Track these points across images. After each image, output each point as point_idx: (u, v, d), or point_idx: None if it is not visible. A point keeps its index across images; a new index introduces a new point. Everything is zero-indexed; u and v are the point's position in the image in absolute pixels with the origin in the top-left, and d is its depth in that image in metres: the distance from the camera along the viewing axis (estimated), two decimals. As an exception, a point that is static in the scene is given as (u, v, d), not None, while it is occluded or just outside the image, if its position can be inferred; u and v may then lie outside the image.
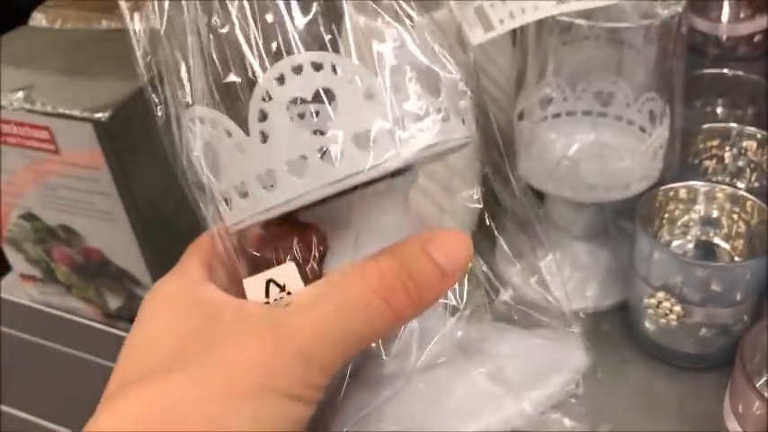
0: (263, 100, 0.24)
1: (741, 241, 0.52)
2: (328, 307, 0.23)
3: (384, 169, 0.24)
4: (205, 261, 0.27)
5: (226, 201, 0.26)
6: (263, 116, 0.24)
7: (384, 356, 0.27)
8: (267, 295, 0.25)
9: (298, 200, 0.24)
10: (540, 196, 0.54)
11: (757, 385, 0.44)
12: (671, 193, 0.52)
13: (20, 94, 0.42)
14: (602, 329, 0.53)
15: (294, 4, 0.25)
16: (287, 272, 0.25)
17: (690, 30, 0.66)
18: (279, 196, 0.24)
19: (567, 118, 0.54)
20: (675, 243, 0.54)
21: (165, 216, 0.45)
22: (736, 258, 0.52)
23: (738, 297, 0.46)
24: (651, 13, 0.46)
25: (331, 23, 0.27)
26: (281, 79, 0.24)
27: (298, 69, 0.24)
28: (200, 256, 0.27)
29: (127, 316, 0.52)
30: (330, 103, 0.24)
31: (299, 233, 0.28)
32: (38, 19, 0.51)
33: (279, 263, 0.26)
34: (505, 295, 0.54)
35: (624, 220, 0.56)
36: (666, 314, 0.47)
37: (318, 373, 0.23)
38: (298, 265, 0.26)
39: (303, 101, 0.24)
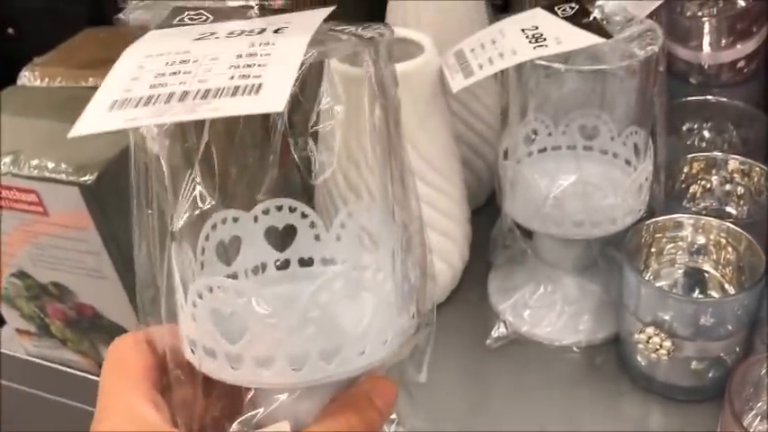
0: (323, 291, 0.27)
1: (730, 268, 0.52)
2: None
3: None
4: (153, 383, 0.28)
5: (232, 361, 0.27)
6: (311, 306, 0.27)
7: None
8: None
9: (322, 380, 0.27)
10: (528, 233, 0.55)
11: (749, 417, 0.45)
12: (657, 225, 0.52)
13: (7, 159, 0.43)
14: (595, 363, 0.53)
15: None
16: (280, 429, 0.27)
17: (673, 58, 0.67)
18: (307, 375, 0.27)
19: (553, 153, 0.55)
20: (664, 271, 0.54)
21: (155, 272, 0.45)
22: (726, 285, 0.52)
23: (729, 329, 0.46)
24: (629, 53, 0.47)
25: None
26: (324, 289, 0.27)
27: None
28: (147, 383, 0.28)
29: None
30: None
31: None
32: (26, 77, 0.52)
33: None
34: (496, 331, 0.55)
35: (614, 250, 0.56)
36: (657, 349, 0.47)
37: None
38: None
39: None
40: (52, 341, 0.54)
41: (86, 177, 0.41)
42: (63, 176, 0.41)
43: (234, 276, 0.31)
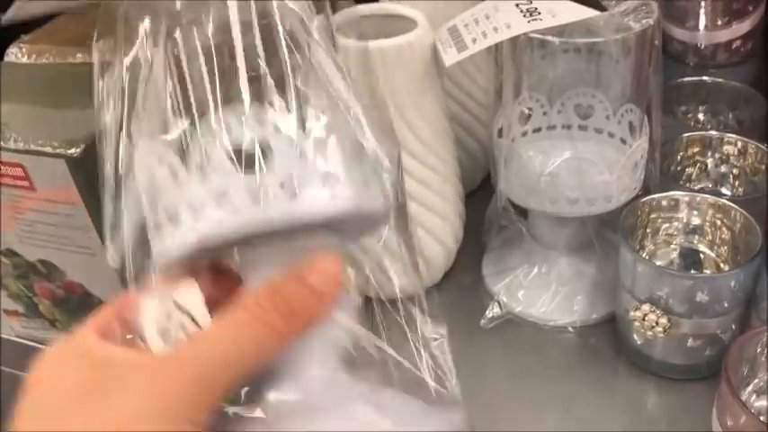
0: (204, 138, 0.26)
1: (726, 248, 0.52)
2: (213, 334, 0.26)
3: (306, 220, 0.26)
4: (99, 325, 0.28)
5: (157, 229, 0.27)
6: (205, 155, 0.26)
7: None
8: (165, 317, 0.27)
9: (221, 233, 0.26)
10: (523, 212, 0.54)
11: (746, 392, 0.44)
12: (653, 204, 0.51)
13: (-7, 134, 0.42)
14: (590, 343, 0.53)
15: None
16: (189, 295, 0.27)
17: (668, 39, 0.67)
18: (205, 227, 0.26)
19: (547, 132, 0.54)
20: (660, 252, 0.54)
21: (145, 248, 0.44)
22: (722, 265, 0.52)
23: (725, 306, 0.46)
24: (624, 27, 0.46)
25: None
26: (228, 127, 0.26)
27: (242, 119, 0.27)
28: (93, 323, 0.28)
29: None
30: (265, 154, 0.26)
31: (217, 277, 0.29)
32: (13, 54, 0.51)
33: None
34: (491, 311, 0.55)
35: (608, 231, 0.56)
36: (653, 326, 0.47)
37: (211, 395, 0.25)
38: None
39: (241, 147, 0.26)
40: (41, 321, 0.53)
41: (73, 150, 0.40)
42: (49, 149, 0.40)
43: (264, 190, 0.27)
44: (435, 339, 0.33)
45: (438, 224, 0.53)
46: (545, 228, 0.54)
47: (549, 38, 0.46)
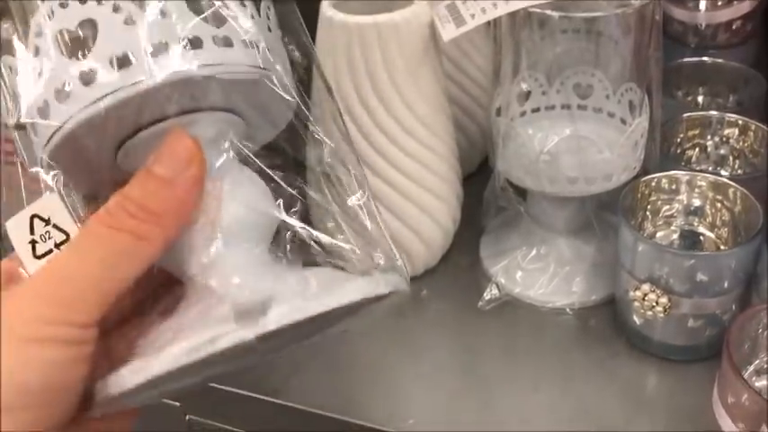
0: (36, 36, 0.26)
1: (726, 229, 0.51)
2: (70, 251, 0.25)
3: (137, 89, 0.25)
4: None
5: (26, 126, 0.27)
6: (36, 49, 0.26)
7: None
8: (32, 232, 0.26)
9: (66, 125, 0.25)
10: (522, 192, 0.54)
11: (747, 373, 0.44)
12: (653, 184, 0.51)
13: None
14: (589, 325, 0.52)
15: None
16: (50, 204, 0.26)
17: (668, 19, 0.66)
18: (51, 123, 0.26)
19: (546, 112, 0.53)
20: (660, 234, 0.53)
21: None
22: (722, 247, 0.51)
23: (725, 286, 0.45)
24: (625, 2, 0.46)
25: None
26: (48, 16, 0.26)
27: (65, 3, 0.26)
28: None
29: None
30: (93, 33, 0.26)
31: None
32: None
33: None
34: (489, 293, 0.54)
35: (607, 213, 0.55)
36: (653, 306, 0.46)
37: (81, 312, 0.24)
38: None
39: (69, 32, 0.26)
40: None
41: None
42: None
43: (93, 73, 0.26)
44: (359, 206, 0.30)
45: (436, 205, 0.53)
46: (544, 208, 0.53)
47: (549, 12, 0.45)
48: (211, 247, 0.26)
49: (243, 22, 0.27)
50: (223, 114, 0.28)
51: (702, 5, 0.65)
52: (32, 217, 0.26)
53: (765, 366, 0.44)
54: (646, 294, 0.46)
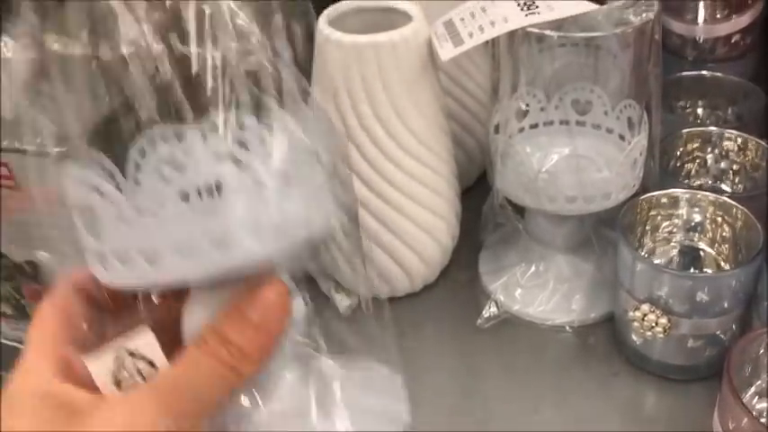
0: (160, 181, 0.25)
1: (726, 246, 0.51)
2: (171, 375, 0.27)
3: (265, 257, 0.26)
4: (55, 358, 0.28)
5: (100, 259, 0.27)
6: (159, 198, 0.25)
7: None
8: (117, 365, 0.27)
9: (182, 280, 0.26)
10: (520, 209, 0.53)
11: (747, 395, 0.44)
12: (652, 201, 0.51)
13: (-24, 131, 0.41)
14: (588, 343, 0.52)
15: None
16: (140, 337, 0.27)
17: (667, 32, 0.66)
18: (164, 274, 0.26)
19: (545, 128, 0.53)
20: (660, 250, 0.53)
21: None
22: (723, 263, 0.51)
23: (725, 306, 0.45)
24: (624, 21, 0.45)
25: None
26: (178, 166, 0.25)
27: (189, 150, 0.25)
28: (46, 353, 0.28)
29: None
30: (220, 193, 0.25)
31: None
32: (-2, 49, 0.50)
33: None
34: (487, 311, 0.54)
35: (607, 229, 0.55)
36: (652, 326, 0.46)
37: (189, 423, 0.26)
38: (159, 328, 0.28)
39: (197, 187, 0.25)
40: (30, 323, 0.52)
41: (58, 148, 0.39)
42: (33, 147, 0.39)
43: (185, 197, 0.27)
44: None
45: (434, 222, 0.53)
46: (542, 226, 0.53)
47: (547, 32, 0.45)
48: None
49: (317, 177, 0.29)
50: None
51: (701, 19, 0.65)
52: (119, 350, 0.27)
53: (766, 388, 0.44)
54: (645, 315, 0.46)
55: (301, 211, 0.27)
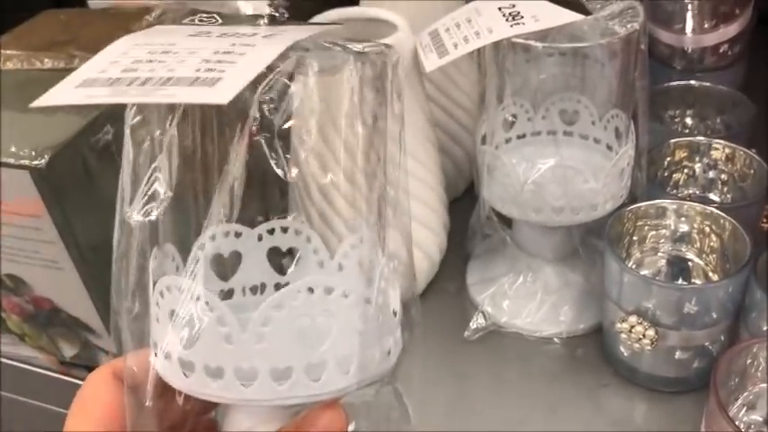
0: (275, 308, 0.26)
1: (714, 256, 0.51)
2: None
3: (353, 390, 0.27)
4: None
5: (184, 366, 0.26)
6: (266, 321, 0.25)
7: None
8: None
9: (271, 402, 0.26)
10: (507, 220, 0.53)
11: (735, 406, 0.43)
12: (640, 211, 0.50)
13: (-46, 144, 0.40)
14: (576, 354, 0.52)
15: None
16: None
17: (655, 42, 0.66)
18: (256, 393, 0.26)
19: (532, 138, 0.53)
20: (647, 261, 0.53)
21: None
22: (711, 273, 0.51)
23: (713, 317, 0.44)
24: (610, 31, 0.45)
25: None
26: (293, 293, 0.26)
27: (306, 290, 0.26)
28: None
29: (82, 363, 0.50)
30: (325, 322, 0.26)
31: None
32: (-21, 60, 0.50)
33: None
34: (475, 322, 0.53)
35: (594, 239, 0.55)
36: (640, 338, 0.46)
37: None
38: None
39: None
40: (10, 337, 0.51)
41: (38, 161, 0.39)
42: (12, 160, 0.39)
43: (230, 293, 0.29)
44: None
45: (421, 234, 0.52)
46: (530, 237, 0.53)
47: (533, 43, 0.44)
48: None
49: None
50: None
51: (689, 29, 0.64)
52: None
53: (754, 399, 0.43)
54: (633, 326, 0.45)
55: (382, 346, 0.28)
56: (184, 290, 0.26)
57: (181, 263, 0.29)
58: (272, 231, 0.31)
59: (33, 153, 0.39)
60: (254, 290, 0.32)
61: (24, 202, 0.41)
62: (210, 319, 0.25)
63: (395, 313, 0.29)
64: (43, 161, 0.39)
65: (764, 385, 0.42)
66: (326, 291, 0.26)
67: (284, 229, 0.32)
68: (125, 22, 0.40)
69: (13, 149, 0.39)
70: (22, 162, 0.39)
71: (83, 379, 0.28)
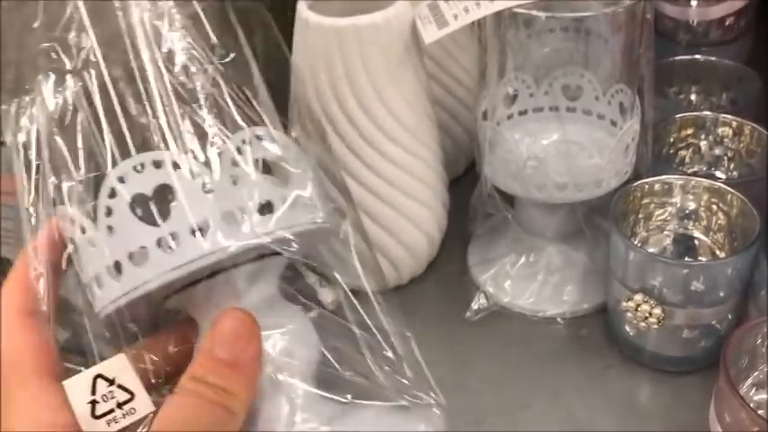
0: (109, 197, 0.27)
1: (721, 234, 0.50)
2: (174, 410, 0.26)
3: (216, 257, 0.27)
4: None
5: (89, 292, 0.28)
6: (109, 212, 0.27)
7: None
8: (94, 392, 0.26)
9: (142, 287, 0.27)
10: (509, 198, 0.52)
11: (745, 386, 0.42)
12: (645, 188, 0.49)
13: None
14: (580, 335, 0.51)
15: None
16: (118, 364, 0.27)
17: (659, 15, 0.64)
18: (125, 285, 0.27)
19: (534, 114, 0.52)
20: (653, 239, 0.52)
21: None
22: (717, 252, 0.50)
23: (721, 295, 0.43)
24: (614, 1, 0.44)
25: None
26: (122, 179, 0.27)
27: (139, 167, 0.27)
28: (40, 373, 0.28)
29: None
30: (170, 198, 0.27)
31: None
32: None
33: None
34: (476, 303, 0.52)
35: (599, 217, 0.53)
36: (646, 317, 0.45)
37: None
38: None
39: (145, 196, 0.27)
40: (1, 322, 0.50)
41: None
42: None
43: (173, 239, 0.27)
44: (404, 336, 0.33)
45: (421, 213, 0.51)
46: (532, 215, 0.51)
47: (535, 13, 0.43)
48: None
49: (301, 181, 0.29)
50: (274, 258, 0.29)
51: (694, 1, 0.63)
52: (96, 377, 0.27)
53: (764, 379, 0.42)
54: (638, 305, 0.44)
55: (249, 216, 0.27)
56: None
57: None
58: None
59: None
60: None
61: (11, 178, 0.40)
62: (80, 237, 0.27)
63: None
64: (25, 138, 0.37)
65: (775, 364, 0.41)
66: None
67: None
68: None
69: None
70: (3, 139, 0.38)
71: (75, 363, 0.28)
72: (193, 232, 0.27)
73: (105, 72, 0.28)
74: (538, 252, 0.53)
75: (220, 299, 0.28)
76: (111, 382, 0.27)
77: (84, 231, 0.27)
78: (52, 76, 0.29)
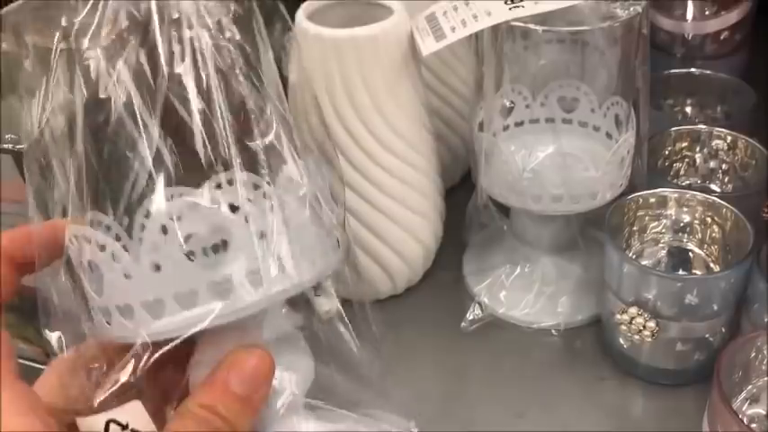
0: (161, 233, 0.25)
1: (716, 247, 0.50)
2: None
3: (270, 302, 0.26)
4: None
5: (104, 315, 0.27)
6: (156, 248, 0.25)
7: None
8: None
9: (186, 329, 0.26)
10: (505, 209, 0.52)
11: (738, 400, 0.42)
12: (640, 201, 0.49)
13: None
14: (575, 347, 0.51)
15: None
16: (133, 410, 0.26)
17: (655, 29, 0.65)
18: (167, 324, 0.26)
19: (530, 126, 0.52)
20: (648, 251, 0.52)
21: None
22: (712, 265, 0.50)
23: (715, 309, 0.44)
24: (611, 15, 0.44)
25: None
26: (179, 217, 0.25)
27: (194, 207, 0.25)
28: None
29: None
30: (224, 242, 0.26)
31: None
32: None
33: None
34: (471, 314, 0.52)
35: (594, 229, 0.54)
36: (640, 330, 0.45)
37: None
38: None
39: (198, 237, 0.25)
40: (-5, 327, 0.50)
41: (21, 145, 0.38)
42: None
43: (227, 281, 0.27)
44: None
45: (417, 222, 0.51)
46: (528, 226, 0.52)
47: (532, 26, 0.43)
48: None
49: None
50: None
51: (690, 15, 0.63)
52: (109, 422, 0.26)
53: (757, 393, 0.42)
54: (633, 318, 0.44)
55: (299, 258, 0.27)
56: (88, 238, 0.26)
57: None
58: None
59: (17, 137, 0.38)
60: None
61: (8, 185, 0.40)
62: (112, 262, 0.26)
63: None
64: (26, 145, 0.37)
65: (768, 378, 0.41)
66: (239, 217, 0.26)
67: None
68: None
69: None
70: (5, 146, 0.38)
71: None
72: (248, 277, 0.26)
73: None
74: (533, 263, 0.53)
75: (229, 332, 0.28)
76: (124, 427, 0.26)
77: (116, 259, 0.26)
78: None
